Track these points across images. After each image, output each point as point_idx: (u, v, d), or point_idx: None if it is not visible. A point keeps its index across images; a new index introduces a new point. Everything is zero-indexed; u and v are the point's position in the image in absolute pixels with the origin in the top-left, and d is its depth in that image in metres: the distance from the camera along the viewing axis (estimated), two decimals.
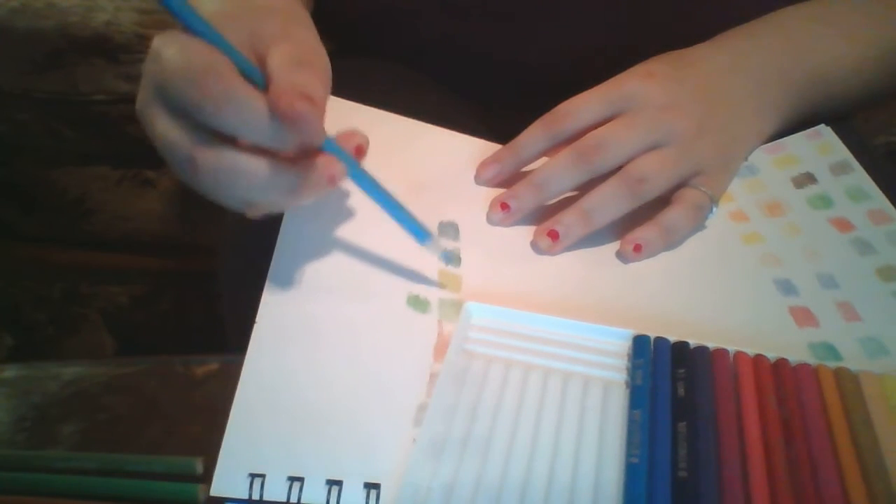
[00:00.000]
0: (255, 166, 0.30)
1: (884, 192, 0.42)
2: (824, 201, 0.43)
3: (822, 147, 0.46)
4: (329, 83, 0.32)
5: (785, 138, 0.46)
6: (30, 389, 0.37)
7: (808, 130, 0.46)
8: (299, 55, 0.31)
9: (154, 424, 0.36)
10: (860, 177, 0.44)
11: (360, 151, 0.33)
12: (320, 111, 0.30)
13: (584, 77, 0.42)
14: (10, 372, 0.38)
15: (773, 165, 0.45)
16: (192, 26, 0.29)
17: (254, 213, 0.33)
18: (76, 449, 0.35)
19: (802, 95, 0.45)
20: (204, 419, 0.36)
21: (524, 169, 0.43)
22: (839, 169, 0.44)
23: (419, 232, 0.36)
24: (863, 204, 0.42)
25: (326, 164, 0.31)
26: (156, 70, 0.30)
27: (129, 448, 0.35)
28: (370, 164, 0.37)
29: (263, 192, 0.31)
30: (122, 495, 0.32)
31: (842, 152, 0.45)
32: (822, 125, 0.46)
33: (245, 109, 0.28)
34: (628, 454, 0.31)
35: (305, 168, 0.31)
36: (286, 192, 0.31)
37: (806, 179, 0.44)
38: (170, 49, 0.29)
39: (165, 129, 0.30)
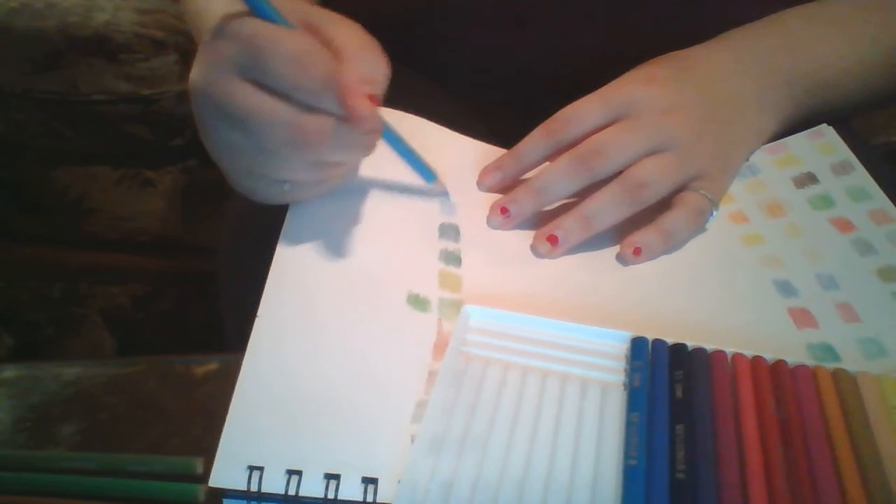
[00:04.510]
0: (344, 126, 0.34)
1: (884, 192, 0.42)
2: (825, 201, 0.43)
3: (823, 147, 0.45)
4: (385, 59, 0.35)
5: (786, 138, 0.46)
6: (30, 389, 0.37)
7: (810, 130, 0.46)
8: (361, 33, 0.35)
9: (154, 424, 0.36)
10: (861, 177, 0.43)
11: (374, 100, 0.36)
12: (378, 104, 0.34)
13: (585, 79, 0.42)
14: (10, 372, 0.38)
15: (774, 165, 0.45)
16: (259, 10, 0.33)
17: (299, 194, 0.38)
18: (76, 449, 0.35)
19: (803, 97, 0.45)
20: (204, 419, 0.36)
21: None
22: (840, 169, 0.44)
23: (426, 172, 0.41)
24: (864, 204, 0.42)
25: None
26: (236, 49, 0.32)
27: (129, 448, 0.34)
28: (371, 162, 0.39)
29: (346, 149, 0.35)
30: (122, 495, 0.32)
31: (843, 152, 0.45)
32: (824, 125, 0.46)
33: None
34: (626, 456, 0.31)
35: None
36: (361, 147, 0.36)
37: (807, 179, 0.44)
38: (247, 30, 0.32)
39: (261, 102, 0.33)
